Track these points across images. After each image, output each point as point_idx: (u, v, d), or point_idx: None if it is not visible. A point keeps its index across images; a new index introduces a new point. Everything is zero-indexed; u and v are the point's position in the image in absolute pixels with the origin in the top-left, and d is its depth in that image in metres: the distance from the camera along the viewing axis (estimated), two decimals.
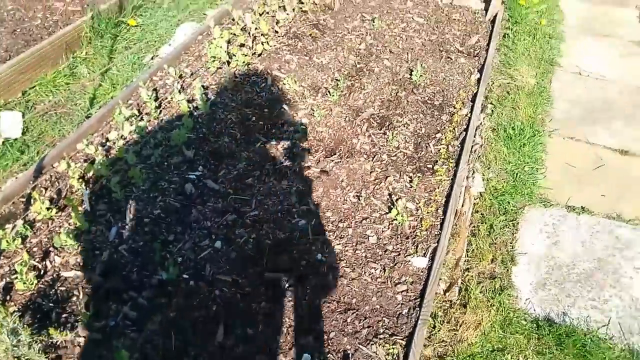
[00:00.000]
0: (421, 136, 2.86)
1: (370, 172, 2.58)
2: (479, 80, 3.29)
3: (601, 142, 3.00)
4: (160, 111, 2.87)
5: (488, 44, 3.67)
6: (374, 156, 2.69)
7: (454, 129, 2.90)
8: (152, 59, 3.56)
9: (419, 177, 2.58)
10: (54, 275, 2.03)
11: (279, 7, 3.84)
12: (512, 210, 2.54)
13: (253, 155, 2.64)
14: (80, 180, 2.38)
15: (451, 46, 3.67)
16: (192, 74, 3.23)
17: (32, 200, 2.25)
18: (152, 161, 2.53)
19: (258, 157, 2.63)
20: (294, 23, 3.80)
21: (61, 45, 3.32)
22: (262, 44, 3.41)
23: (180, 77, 3.18)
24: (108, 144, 2.63)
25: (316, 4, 4.00)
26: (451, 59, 3.51)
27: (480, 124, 2.98)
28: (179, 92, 2.92)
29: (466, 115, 3.00)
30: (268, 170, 2.56)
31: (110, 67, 3.45)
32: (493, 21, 3.98)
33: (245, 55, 3.27)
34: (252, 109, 2.96)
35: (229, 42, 3.40)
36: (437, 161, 2.68)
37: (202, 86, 3.09)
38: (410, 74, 3.29)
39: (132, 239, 2.17)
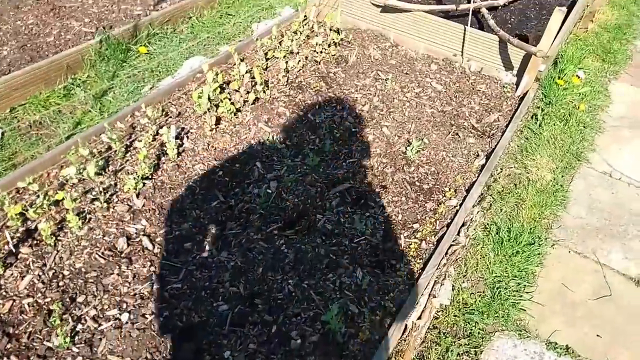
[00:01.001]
0: (395, 224, 2.60)
1: (323, 258, 2.36)
2: (482, 166, 2.99)
3: (614, 265, 2.60)
4: (127, 152, 2.81)
5: (508, 125, 3.37)
6: (334, 239, 2.46)
7: (435, 221, 2.62)
8: (150, 89, 3.57)
9: (376, 273, 2.32)
10: None
11: (290, 52, 3.76)
12: (478, 334, 2.21)
13: (203, 216, 2.50)
14: (18, 216, 2.33)
15: (465, 121, 3.40)
16: (178, 114, 3.18)
17: None
18: (95, 206, 2.45)
19: (208, 218, 2.49)
20: (302, 73, 3.69)
21: (62, 66, 3.39)
22: (256, 92, 3.32)
23: (166, 115, 3.14)
24: (61, 179, 2.59)
25: (332, 55, 3.88)
26: (459, 136, 3.24)
27: (471, 220, 2.67)
28: (153, 134, 2.86)
29: (455, 207, 2.71)
30: (212, 235, 2.40)
31: (107, 93, 3.49)
32: (522, 99, 3.67)
33: (233, 104, 3.18)
34: (223, 161, 2.84)
35: (224, 85, 3.34)
36: (403, 258, 2.41)
37: (182, 128, 3.03)
38: (406, 148, 3.05)
39: (41, 293, 2.07)
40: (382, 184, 2.82)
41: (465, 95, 3.65)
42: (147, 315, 2.03)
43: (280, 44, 3.76)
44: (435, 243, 2.49)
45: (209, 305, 2.09)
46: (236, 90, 3.30)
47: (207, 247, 2.33)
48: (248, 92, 3.31)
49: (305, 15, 4.28)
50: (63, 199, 2.34)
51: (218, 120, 3.14)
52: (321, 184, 2.77)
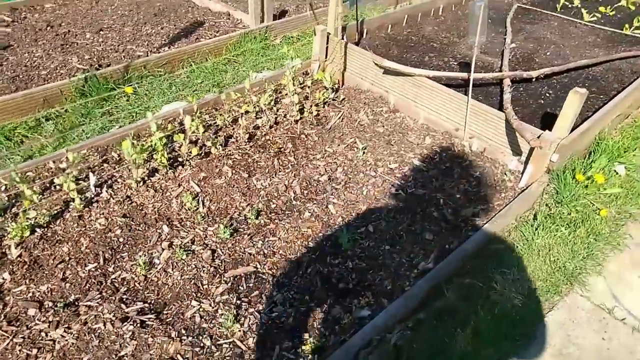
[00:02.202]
0: (280, 329, 2.13)
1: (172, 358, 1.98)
2: (425, 272, 2.42)
3: None
4: (42, 196, 2.72)
5: (485, 223, 2.75)
6: (194, 336, 2.07)
7: (330, 334, 2.11)
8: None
9: None
10: None
11: (267, 108, 3.52)
12: None
13: (70, 279, 2.27)
14: None
15: (436, 211, 2.84)
16: (118, 160, 3.06)
17: None
18: None
19: (72, 283, 2.25)
20: (274, 130, 3.42)
21: (37, 99, 3.50)
22: (205, 147, 3.11)
23: (104, 160, 3.04)
24: None
25: (314, 115, 3.58)
26: (415, 230, 2.69)
27: (379, 341, 2.12)
28: (73, 180, 2.75)
29: (364, 319, 2.18)
30: (63, 305, 2.14)
31: (76, 130, 3.51)
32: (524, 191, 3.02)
33: (179, 157, 2.99)
34: (130, 219, 2.62)
35: (170, 136, 3.18)
36: None
37: (112, 176, 2.90)
38: (342, 234, 2.58)
39: None
40: (292, 276, 2.38)
41: (451, 178, 3.10)
42: None
43: (259, 99, 3.54)
44: None
45: None
46: (181, 144, 3.11)
47: (50, 319, 2.08)
48: (203, 146, 3.12)
49: (307, 71, 4.08)
50: None
51: (153, 172, 2.96)
52: (221, 262, 2.42)
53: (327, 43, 4.02)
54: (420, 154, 3.28)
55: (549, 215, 2.89)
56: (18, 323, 2.07)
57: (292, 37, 5.08)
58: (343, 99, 3.80)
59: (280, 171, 3.06)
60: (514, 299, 2.38)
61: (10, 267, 2.31)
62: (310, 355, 2.03)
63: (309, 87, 3.71)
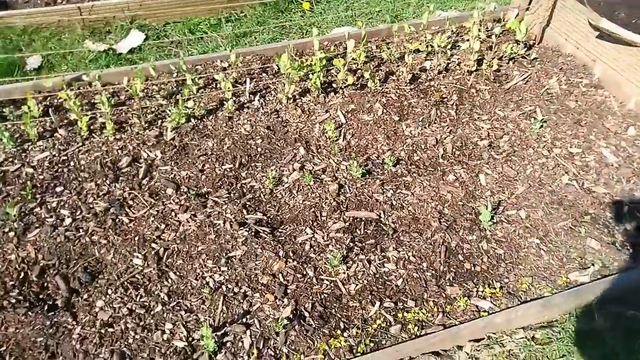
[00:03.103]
0: (386, 286, 2.01)
1: (259, 275, 2.02)
2: (578, 285, 2.03)
3: None
4: (202, 88, 2.92)
5: None
6: (305, 264, 2.07)
7: (438, 312, 1.93)
8: None
9: (308, 325, 1.87)
10: None
11: (440, 51, 3.21)
12: None
13: (208, 173, 2.43)
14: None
15: (614, 219, 2.34)
16: (277, 72, 3.12)
17: None
18: (133, 122, 2.65)
19: (209, 177, 2.41)
20: (442, 77, 3.14)
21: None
22: (359, 78, 3.00)
23: (264, 71, 3.14)
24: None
25: (493, 70, 3.16)
26: (579, 234, 2.26)
27: (496, 341, 1.87)
28: (232, 82, 2.89)
29: (480, 311, 1.93)
30: (193, 195, 2.32)
31: (250, 35, 3.68)
32: None
33: (334, 82, 2.94)
34: (272, 132, 2.68)
35: (330, 59, 3.08)
36: (355, 327, 1.87)
37: (268, 86, 2.98)
38: (485, 211, 2.28)
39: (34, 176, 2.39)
40: (414, 234, 2.21)
41: None
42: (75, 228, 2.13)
43: (432, 39, 3.23)
44: (413, 336, 1.85)
45: (125, 254, 2.06)
46: (339, 70, 3.02)
47: (181, 202, 2.27)
48: (361, 77, 3.01)
49: (501, 18, 3.60)
50: (95, 103, 2.61)
51: (305, 93, 2.96)
52: (345, 199, 2.35)
53: None
54: (616, 145, 2.70)
55: None
56: (157, 197, 2.30)
57: None
58: (535, 58, 3.28)
59: (435, 122, 2.81)
60: None
61: (163, 147, 2.56)
62: (410, 324, 1.88)
63: (496, 36, 3.26)
